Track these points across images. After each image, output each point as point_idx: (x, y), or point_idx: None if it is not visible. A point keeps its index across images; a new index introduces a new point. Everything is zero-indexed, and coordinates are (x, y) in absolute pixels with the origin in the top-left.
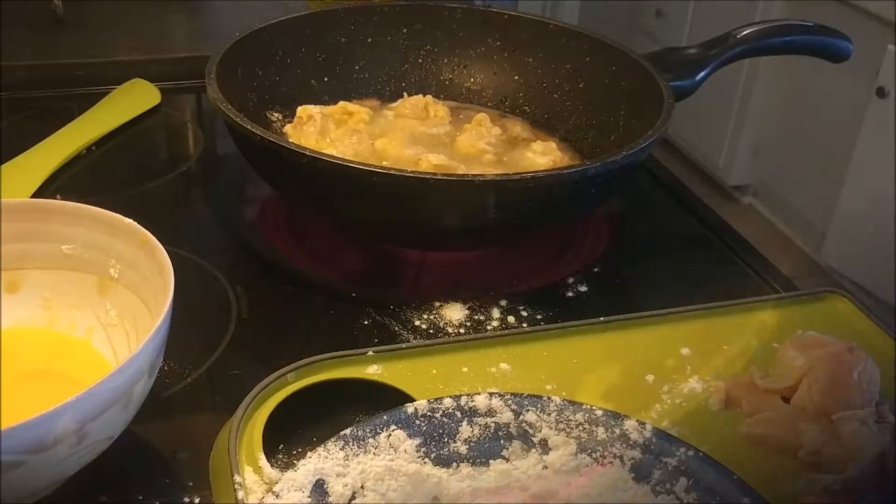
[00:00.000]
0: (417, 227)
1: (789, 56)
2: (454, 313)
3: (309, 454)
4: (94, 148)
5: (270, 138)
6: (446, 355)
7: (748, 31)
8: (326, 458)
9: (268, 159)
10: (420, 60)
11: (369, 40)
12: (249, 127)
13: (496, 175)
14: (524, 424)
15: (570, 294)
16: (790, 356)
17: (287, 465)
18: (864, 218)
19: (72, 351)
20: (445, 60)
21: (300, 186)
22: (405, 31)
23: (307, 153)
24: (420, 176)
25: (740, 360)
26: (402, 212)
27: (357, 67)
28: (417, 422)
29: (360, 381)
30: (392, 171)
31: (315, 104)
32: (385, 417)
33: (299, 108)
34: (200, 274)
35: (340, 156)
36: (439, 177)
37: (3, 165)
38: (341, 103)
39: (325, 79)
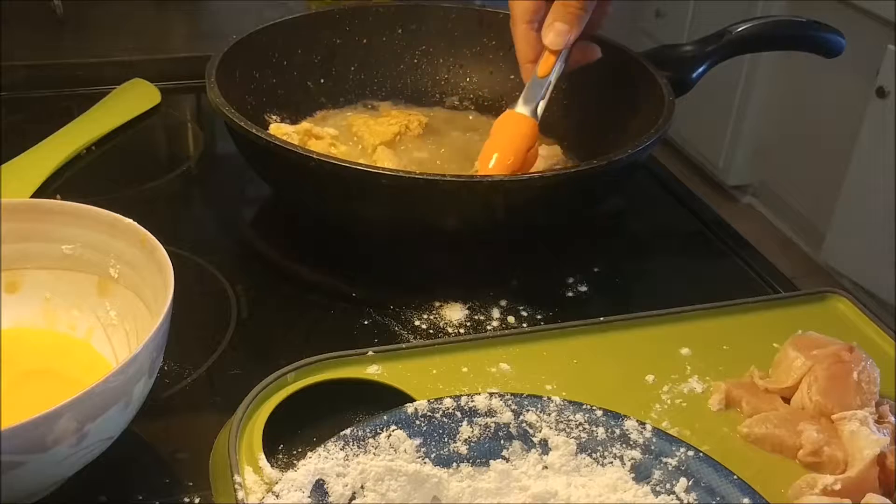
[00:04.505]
0: (422, 229)
1: (789, 56)
2: (454, 313)
3: (309, 454)
4: (94, 148)
5: (278, 142)
6: (446, 355)
7: (743, 27)
8: (326, 458)
9: (275, 163)
10: (416, 61)
11: (364, 41)
12: (255, 131)
13: (504, 176)
14: (524, 424)
15: (570, 294)
16: (790, 356)
17: (287, 465)
18: (864, 218)
19: (72, 351)
20: (441, 60)
21: (307, 190)
22: (400, 31)
23: (314, 156)
24: (429, 178)
25: (740, 360)
26: (407, 213)
27: (353, 68)
28: (417, 422)
29: (360, 381)
30: (401, 173)
31: (312, 106)
32: (385, 417)
33: (272, 126)
34: (200, 274)
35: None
36: (448, 178)
37: (3, 165)
38: (304, 125)
39: (322, 80)
